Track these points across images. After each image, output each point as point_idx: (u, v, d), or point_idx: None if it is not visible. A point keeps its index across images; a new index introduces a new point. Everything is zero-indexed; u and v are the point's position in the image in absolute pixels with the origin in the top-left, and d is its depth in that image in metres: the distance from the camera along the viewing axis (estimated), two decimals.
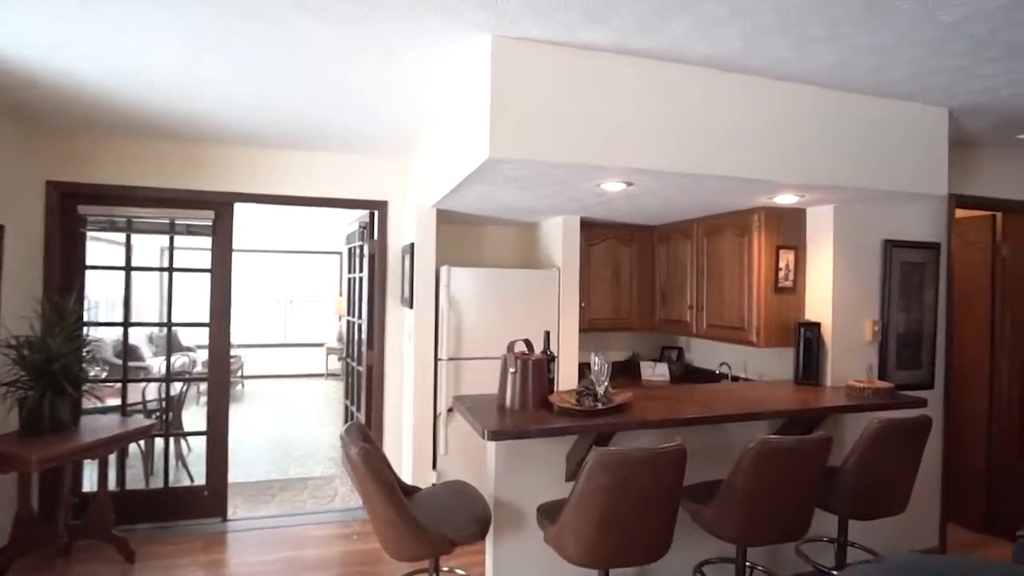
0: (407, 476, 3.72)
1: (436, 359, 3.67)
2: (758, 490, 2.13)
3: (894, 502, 2.50)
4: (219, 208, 3.80)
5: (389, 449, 4.01)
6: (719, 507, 2.22)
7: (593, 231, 4.20)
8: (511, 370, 2.46)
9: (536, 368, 2.47)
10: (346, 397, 5.09)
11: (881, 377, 3.22)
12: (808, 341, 3.18)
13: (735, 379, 3.96)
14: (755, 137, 2.50)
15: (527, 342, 2.66)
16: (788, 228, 3.34)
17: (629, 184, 2.69)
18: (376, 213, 4.10)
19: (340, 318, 9.57)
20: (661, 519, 1.98)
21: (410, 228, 3.83)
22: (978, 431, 3.90)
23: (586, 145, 2.25)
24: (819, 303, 3.27)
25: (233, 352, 8.37)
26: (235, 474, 4.64)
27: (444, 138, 2.95)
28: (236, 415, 7.02)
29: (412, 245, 3.70)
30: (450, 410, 3.62)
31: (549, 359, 2.59)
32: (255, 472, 4.90)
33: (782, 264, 3.29)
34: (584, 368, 3.95)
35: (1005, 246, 3.88)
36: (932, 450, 3.17)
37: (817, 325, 3.20)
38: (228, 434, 3.92)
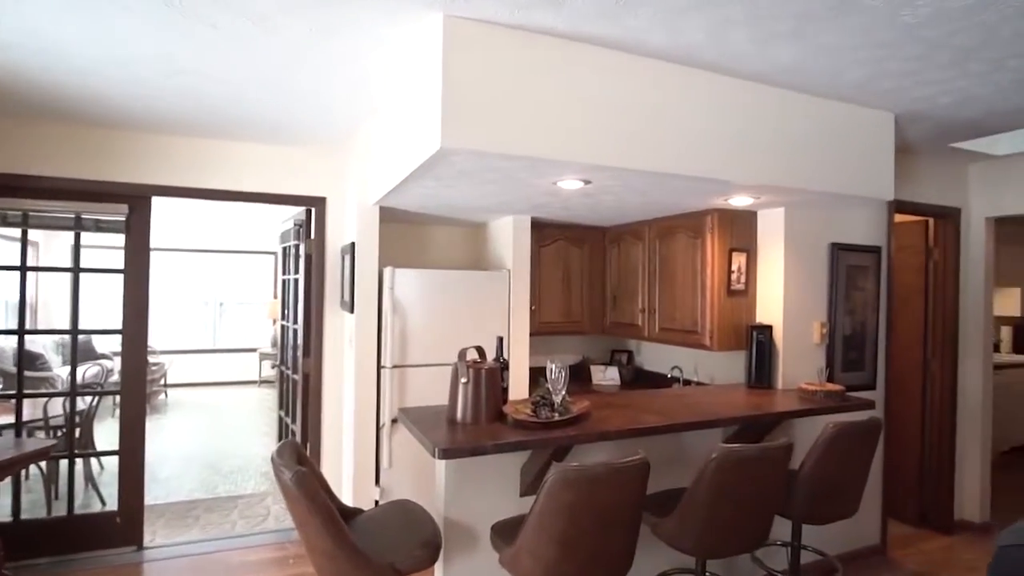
0: (347, 493, 3.47)
1: (379, 366, 3.44)
2: (720, 501, 2.04)
3: (848, 505, 2.49)
4: (134, 202, 3.42)
5: (327, 464, 3.74)
6: (680, 520, 2.12)
7: (544, 232, 4.08)
8: (462, 380, 2.29)
9: (489, 377, 2.30)
10: (280, 407, 4.75)
11: (828, 379, 3.25)
12: (760, 344, 3.17)
13: (687, 383, 3.93)
14: (715, 136, 2.44)
15: (479, 349, 2.49)
16: (740, 230, 3.31)
17: (587, 182, 2.57)
18: (313, 210, 3.82)
19: (275, 322, 9.08)
20: (624, 535, 1.86)
21: (350, 227, 3.58)
22: (913, 429, 4.04)
23: (544, 137, 2.11)
24: (770, 306, 3.27)
25: (156, 359, 7.87)
26: (155, 495, 4.25)
27: (390, 129, 2.74)
28: (158, 428, 6.50)
29: (353, 245, 3.45)
30: (394, 421, 3.40)
31: (502, 367, 2.43)
32: (178, 492, 4.48)
33: (735, 267, 3.26)
34: (536, 373, 3.81)
35: (936, 251, 4.04)
36: None
37: (769, 328, 3.19)
38: (144, 451, 3.53)
